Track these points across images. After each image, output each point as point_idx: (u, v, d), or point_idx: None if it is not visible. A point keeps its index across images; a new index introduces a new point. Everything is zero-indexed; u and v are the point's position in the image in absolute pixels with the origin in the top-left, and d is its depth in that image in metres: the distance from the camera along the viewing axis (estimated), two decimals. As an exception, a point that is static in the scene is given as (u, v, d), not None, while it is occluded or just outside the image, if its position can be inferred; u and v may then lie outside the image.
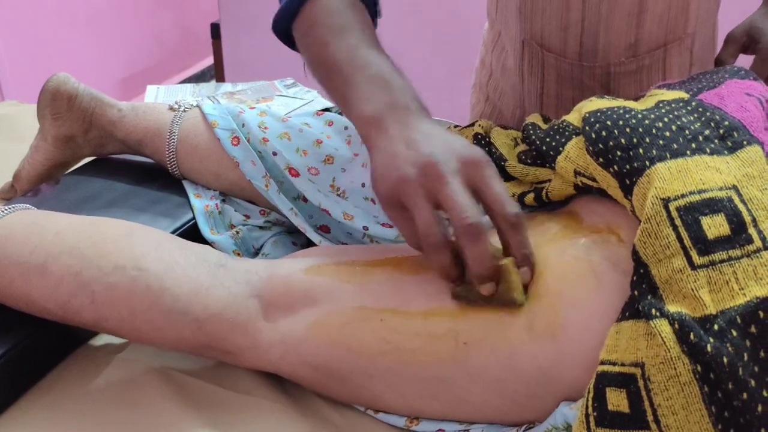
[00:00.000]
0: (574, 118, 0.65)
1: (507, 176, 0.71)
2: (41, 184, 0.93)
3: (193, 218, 0.86)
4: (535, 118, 0.73)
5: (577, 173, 0.61)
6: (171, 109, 0.93)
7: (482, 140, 0.75)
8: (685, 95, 0.63)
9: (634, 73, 0.90)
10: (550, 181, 0.66)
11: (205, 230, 0.84)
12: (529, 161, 0.68)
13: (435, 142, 0.56)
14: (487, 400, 0.58)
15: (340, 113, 1.12)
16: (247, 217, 0.88)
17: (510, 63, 0.99)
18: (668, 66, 0.89)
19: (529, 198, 0.67)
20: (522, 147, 0.72)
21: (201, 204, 0.87)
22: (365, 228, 0.80)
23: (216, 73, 2.60)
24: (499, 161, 0.71)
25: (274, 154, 0.85)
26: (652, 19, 0.87)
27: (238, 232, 0.85)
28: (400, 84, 0.62)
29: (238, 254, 0.82)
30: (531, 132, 0.68)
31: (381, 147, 0.57)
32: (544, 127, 0.69)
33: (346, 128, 0.90)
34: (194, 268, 0.63)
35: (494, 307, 0.56)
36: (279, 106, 1.15)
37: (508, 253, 0.56)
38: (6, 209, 0.68)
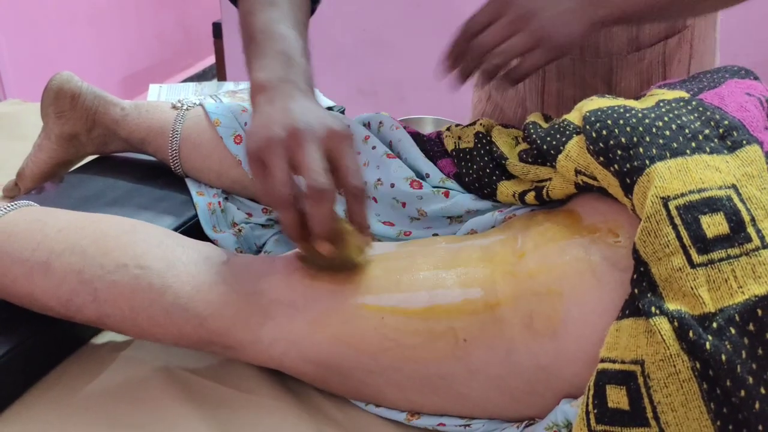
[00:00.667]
0: (574, 117, 0.66)
1: (508, 174, 0.72)
2: (45, 183, 0.93)
3: (196, 216, 0.86)
4: (536, 117, 0.73)
5: (577, 172, 0.61)
6: (174, 107, 0.94)
7: (483, 139, 0.76)
8: (685, 95, 0.63)
9: (636, 67, 0.90)
10: (550, 179, 0.66)
11: (208, 229, 0.85)
12: (530, 160, 0.69)
13: (308, 113, 0.60)
14: (487, 397, 0.58)
15: (342, 112, 1.13)
16: (250, 215, 0.88)
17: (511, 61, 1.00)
18: (668, 59, 0.90)
19: (530, 197, 0.68)
20: (523, 146, 0.73)
21: (204, 202, 0.87)
22: None
23: (218, 72, 2.60)
24: (500, 160, 0.72)
25: None
26: None
27: (240, 230, 0.85)
28: (300, 63, 0.66)
29: (241, 252, 0.82)
30: (532, 131, 0.68)
31: (261, 111, 0.62)
32: (545, 126, 0.70)
33: (348, 127, 0.90)
34: (196, 265, 0.63)
35: (335, 271, 0.62)
36: (281, 105, 1.15)
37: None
38: (8, 206, 0.68)
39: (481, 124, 0.79)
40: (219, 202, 0.87)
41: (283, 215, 0.58)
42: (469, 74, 0.72)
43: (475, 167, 0.74)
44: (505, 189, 0.71)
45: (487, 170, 0.73)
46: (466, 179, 0.75)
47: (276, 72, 0.64)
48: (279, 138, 0.58)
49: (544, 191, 0.66)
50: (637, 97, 0.69)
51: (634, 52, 0.90)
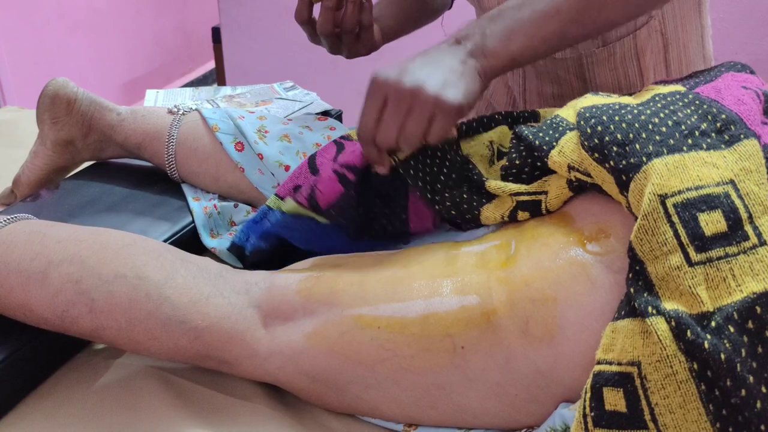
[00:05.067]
0: (568, 114, 0.65)
1: (489, 196, 0.68)
2: (41, 189, 0.93)
3: (192, 222, 0.86)
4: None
5: (570, 168, 0.60)
6: (170, 112, 0.93)
7: (451, 161, 0.71)
8: (681, 88, 0.62)
9: (608, 61, 0.90)
10: (545, 193, 0.64)
11: (205, 237, 0.84)
12: (514, 170, 0.66)
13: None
14: (486, 407, 0.57)
15: (339, 116, 1.12)
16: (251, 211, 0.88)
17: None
18: (641, 51, 0.89)
19: (524, 215, 0.65)
20: (501, 162, 0.69)
21: (200, 207, 0.87)
22: None
23: (217, 77, 2.60)
24: (480, 178, 0.68)
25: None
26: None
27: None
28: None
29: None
30: (524, 130, 0.67)
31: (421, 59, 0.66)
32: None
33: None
34: (194, 278, 0.63)
35: None
36: (278, 109, 1.15)
37: None
38: (8, 219, 0.68)
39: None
40: (215, 205, 0.87)
41: (366, 150, 0.66)
42: (390, 163, 0.70)
43: (448, 197, 0.69)
44: (491, 213, 0.67)
45: (464, 197, 0.68)
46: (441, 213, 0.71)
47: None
48: (417, 95, 0.61)
49: (543, 206, 0.64)
50: (631, 93, 0.69)
51: (602, 47, 0.90)
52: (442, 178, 0.69)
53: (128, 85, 2.76)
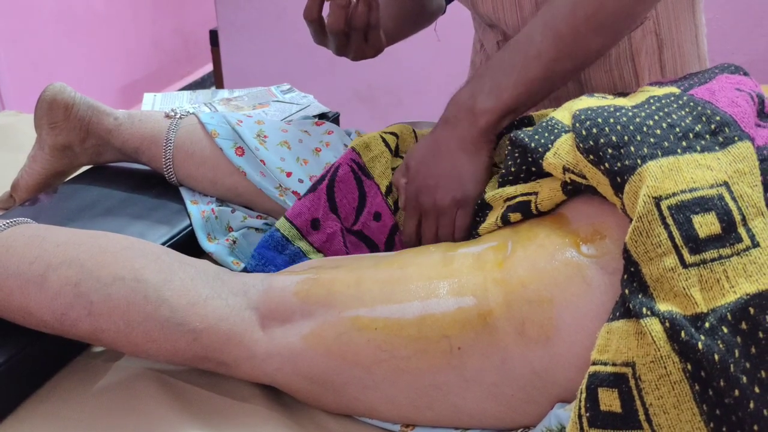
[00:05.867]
0: (563, 116, 0.65)
1: (488, 207, 0.70)
2: (39, 193, 0.93)
3: (190, 225, 0.86)
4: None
5: (565, 170, 0.61)
6: (167, 116, 0.94)
7: None
8: (676, 90, 0.63)
9: (603, 63, 0.90)
10: (536, 193, 0.65)
11: (203, 240, 0.85)
12: (511, 178, 0.68)
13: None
14: (482, 407, 0.58)
15: (336, 118, 1.13)
16: (248, 216, 0.88)
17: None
18: (635, 52, 0.89)
19: (515, 217, 0.66)
20: (496, 175, 0.72)
21: (197, 210, 0.87)
22: None
23: (215, 80, 2.61)
24: (483, 201, 0.71)
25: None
26: None
27: (234, 241, 0.85)
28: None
29: (237, 263, 0.82)
30: (520, 133, 0.67)
31: (434, 160, 0.74)
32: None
33: (349, 134, 0.91)
34: (192, 280, 0.63)
35: None
36: (275, 112, 1.15)
37: None
38: (7, 223, 0.68)
39: None
40: (212, 209, 0.87)
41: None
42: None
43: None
44: (485, 227, 0.68)
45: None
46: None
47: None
48: (439, 207, 0.72)
49: (533, 206, 0.64)
50: (626, 94, 0.69)
51: None
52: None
53: (126, 89, 2.76)
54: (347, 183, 0.78)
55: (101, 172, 0.98)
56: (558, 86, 0.74)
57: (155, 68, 2.92)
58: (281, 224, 0.78)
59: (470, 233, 0.73)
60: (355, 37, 0.86)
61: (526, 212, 0.65)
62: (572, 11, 0.69)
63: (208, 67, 3.12)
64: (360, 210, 0.78)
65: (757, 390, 0.46)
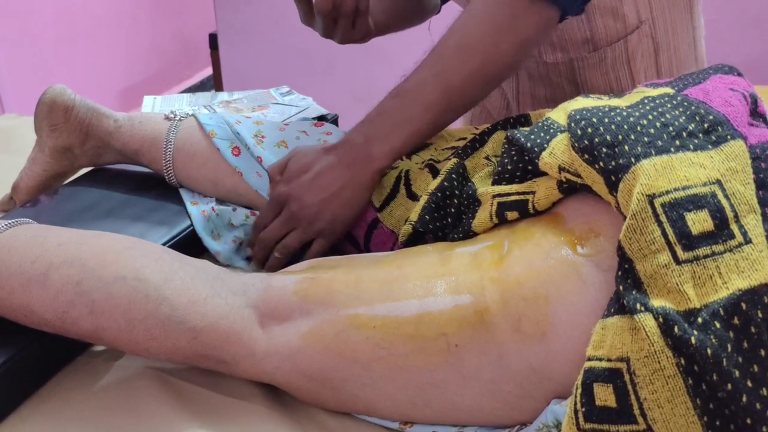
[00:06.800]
0: (558, 116, 0.66)
1: (479, 203, 0.70)
2: (40, 195, 0.94)
3: (190, 226, 0.86)
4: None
5: (561, 169, 0.61)
6: (167, 118, 0.94)
7: (462, 174, 0.76)
8: (670, 90, 0.64)
9: (599, 66, 0.91)
10: (533, 192, 0.65)
11: (207, 240, 0.85)
12: (505, 179, 0.68)
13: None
14: (479, 404, 0.58)
15: (335, 120, 1.13)
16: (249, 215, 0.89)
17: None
18: (631, 55, 0.90)
19: (513, 215, 0.66)
20: (489, 169, 0.73)
21: (198, 211, 0.88)
22: None
23: (215, 83, 2.62)
24: (472, 197, 0.71)
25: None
26: (602, 13, 0.88)
27: (241, 244, 0.86)
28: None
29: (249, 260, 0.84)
30: (516, 133, 0.68)
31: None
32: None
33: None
34: (192, 279, 0.64)
35: None
36: (274, 114, 1.16)
37: None
38: (9, 223, 0.69)
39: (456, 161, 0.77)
40: (212, 207, 0.88)
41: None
42: (263, 263, 0.81)
43: (455, 231, 0.72)
44: (479, 218, 0.69)
45: (460, 215, 0.72)
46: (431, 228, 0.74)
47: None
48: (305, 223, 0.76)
49: (530, 205, 0.65)
50: (620, 95, 0.70)
51: (592, 52, 0.91)
52: (456, 223, 0.73)
53: (126, 92, 2.77)
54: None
55: (101, 173, 0.98)
56: (442, 128, 0.80)
57: (155, 72, 2.93)
58: None
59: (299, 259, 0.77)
60: (342, 21, 0.87)
61: (523, 211, 0.65)
62: (463, 64, 0.74)
63: (208, 71, 3.12)
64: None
65: (749, 384, 0.46)
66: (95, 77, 2.62)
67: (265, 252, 0.80)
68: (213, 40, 2.49)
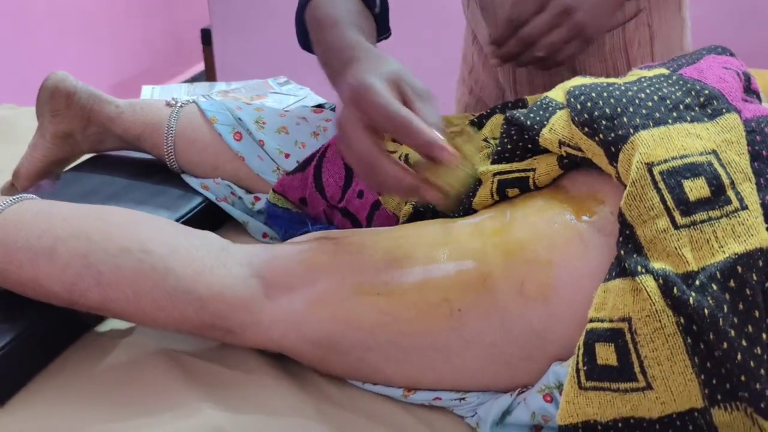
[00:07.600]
0: (557, 95, 0.67)
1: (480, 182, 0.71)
2: (41, 180, 0.94)
3: (193, 209, 0.87)
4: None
5: (561, 144, 0.63)
6: (168, 105, 0.95)
7: None
8: (665, 71, 0.65)
9: (598, 53, 0.93)
10: (533, 170, 0.66)
11: (232, 210, 0.88)
12: (505, 159, 0.69)
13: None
14: (482, 367, 0.60)
15: (333, 110, 1.15)
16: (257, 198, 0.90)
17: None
18: (629, 43, 0.93)
19: (513, 192, 0.67)
20: (487, 150, 0.74)
21: (213, 196, 0.89)
22: None
23: (207, 78, 2.62)
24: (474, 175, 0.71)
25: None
26: None
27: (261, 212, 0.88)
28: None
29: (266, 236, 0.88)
30: (515, 113, 0.69)
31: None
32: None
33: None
34: (198, 250, 0.65)
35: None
36: (273, 103, 1.17)
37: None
38: (13, 199, 0.69)
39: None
40: (232, 192, 0.89)
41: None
42: (513, 59, 0.80)
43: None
44: (481, 201, 0.69)
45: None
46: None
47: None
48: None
49: (531, 182, 0.66)
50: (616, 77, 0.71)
51: None
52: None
53: (119, 86, 2.77)
54: (335, 163, 0.82)
55: (102, 159, 0.99)
56: None
57: (147, 67, 2.93)
58: (273, 197, 0.85)
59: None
60: None
61: (523, 188, 0.67)
62: None
63: (199, 67, 3.12)
64: (346, 188, 0.81)
65: (744, 343, 0.48)
66: (88, 71, 2.61)
67: (523, 50, 0.78)
68: (206, 35, 2.50)
